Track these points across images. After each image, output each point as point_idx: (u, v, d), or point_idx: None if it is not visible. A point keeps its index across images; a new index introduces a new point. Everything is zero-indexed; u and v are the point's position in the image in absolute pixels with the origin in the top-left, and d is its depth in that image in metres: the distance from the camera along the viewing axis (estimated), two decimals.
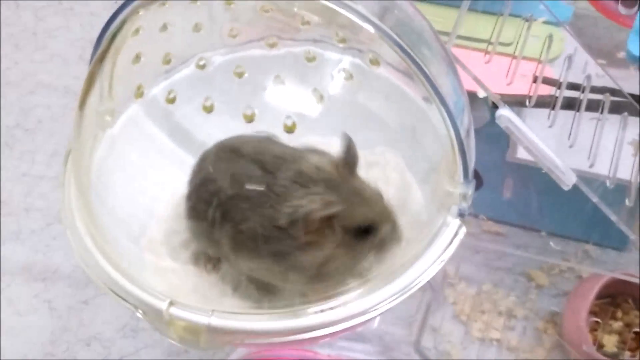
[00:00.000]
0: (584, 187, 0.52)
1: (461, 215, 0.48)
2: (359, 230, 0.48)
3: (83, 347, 0.76)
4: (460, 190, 0.48)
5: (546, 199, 0.76)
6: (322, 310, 0.46)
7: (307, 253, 0.47)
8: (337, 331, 0.46)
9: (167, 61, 0.54)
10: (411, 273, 0.47)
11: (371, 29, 0.45)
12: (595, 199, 0.53)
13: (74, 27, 1.02)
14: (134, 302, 0.47)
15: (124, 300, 0.47)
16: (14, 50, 1.00)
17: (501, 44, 0.57)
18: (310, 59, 0.53)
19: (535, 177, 0.74)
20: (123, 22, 0.49)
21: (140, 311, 0.46)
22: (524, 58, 0.57)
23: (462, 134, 0.47)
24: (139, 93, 0.53)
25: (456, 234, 0.48)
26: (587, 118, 0.57)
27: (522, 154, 0.75)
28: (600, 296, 0.72)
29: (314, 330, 0.45)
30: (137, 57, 0.51)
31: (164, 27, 0.52)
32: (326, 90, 0.51)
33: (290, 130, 0.50)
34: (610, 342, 0.72)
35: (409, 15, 0.50)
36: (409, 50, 0.45)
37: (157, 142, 0.55)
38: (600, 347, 0.71)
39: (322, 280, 0.48)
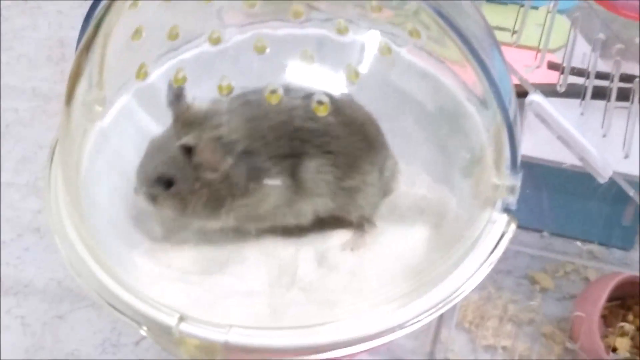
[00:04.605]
0: (620, 180, 0.48)
1: (508, 210, 0.43)
2: None
3: None
4: (507, 182, 0.43)
5: (548, 197, 0.74)
6: (351, 325, 0.41)
7: None
8: (366, 349, 0.41)
9: (173, 36, 0.47)
10: (452, 281, 0.42)
11: None
12: (631, 192, 0.49)
13: (41, 26, 0.99)
14: (137, 318, 0.41)
15: (124, 315, 0.42)
16: None
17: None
18: (342, 30, 0.46)
19: (537, 175, 0.72)
20: (110, 4, 0.44)
21: (145, 328, 0.41)
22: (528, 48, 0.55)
23: (511, 116, 0.42)
24: (142, 73, 0.46)
25: (505, 231, 0.43)
26: (614, 107, 0.54)
27: (524, 150, 0.72)
28: (609, 299, 0.69)
29: (339, 347, 0.40)
30: (138, 32, 0.45)
31: None
32: (360, 67, 0.45)
33: (320, 112, 0.44)
34: (623, 345, 0.69)
35: None
36: (452, 20, 0.39)
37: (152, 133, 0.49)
38: (612, 351, 0.68)
39: None
